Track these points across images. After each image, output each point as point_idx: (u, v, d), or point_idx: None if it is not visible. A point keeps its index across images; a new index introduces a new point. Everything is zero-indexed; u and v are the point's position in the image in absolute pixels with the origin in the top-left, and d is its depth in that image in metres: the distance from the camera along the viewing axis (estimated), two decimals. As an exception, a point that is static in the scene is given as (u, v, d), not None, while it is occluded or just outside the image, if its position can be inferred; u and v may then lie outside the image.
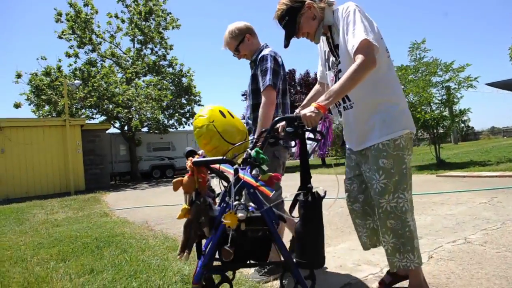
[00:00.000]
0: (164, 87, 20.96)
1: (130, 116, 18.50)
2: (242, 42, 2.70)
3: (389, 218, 1.93)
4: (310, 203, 1.73)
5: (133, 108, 18.51)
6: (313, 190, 1.74)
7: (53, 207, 8.90)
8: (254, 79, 2.67)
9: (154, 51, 22.31)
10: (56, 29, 31.67)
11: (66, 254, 3.68)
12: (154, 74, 21.95)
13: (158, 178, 20.58)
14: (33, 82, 17.98)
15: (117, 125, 19.89)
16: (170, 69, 22.55)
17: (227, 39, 2.73)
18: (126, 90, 18.20)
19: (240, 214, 1.66)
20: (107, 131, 18.11)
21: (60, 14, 19.25)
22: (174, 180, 1.85)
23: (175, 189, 1.85)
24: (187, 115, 22.70)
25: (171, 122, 21.86)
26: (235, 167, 1.76)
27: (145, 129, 20.12)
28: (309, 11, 1.99)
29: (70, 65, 19.18)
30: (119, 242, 3.94)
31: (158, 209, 7.14)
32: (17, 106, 18.17)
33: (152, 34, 21.47)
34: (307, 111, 1.73)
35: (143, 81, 21.71)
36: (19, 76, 18.02)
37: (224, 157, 1.78)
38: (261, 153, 1.77)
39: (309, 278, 1.75)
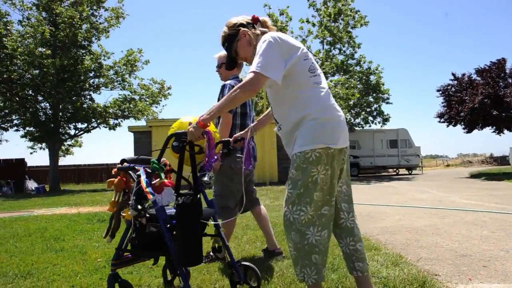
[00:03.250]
0: (352, 85, 20.94)
1: (319, 115, 19.28)
2: (220, 67, 3.34)
3: (291, 229, 1.95)
4: (179, 209, 2.00)
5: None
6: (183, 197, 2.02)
7: (253, 195, 10.17)
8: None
9: (342, 51, 22.59)
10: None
11: (269, 237, 4.16)
12: (342, 73, 22.22)
13: (343, 176, 20.81)
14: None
15: (306, 123, 21.06)
16: (358, 68, 22.38)
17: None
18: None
19: (129, 212, 2.06)
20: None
21: (261, 24, 21.66)
22: (108, 180, 2.30)
23: (108, 187, 2.30)
24: (374, 114, 22.09)
25: (357, 120, 21.72)
26: (138, 173, 2.15)
27: (332, 127, 20.62)
28: (244, 38, 2.15)
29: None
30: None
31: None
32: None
33: (340, 34, 21.77)
34: (190, 126, 1.98)
35: (331, 81, 22.26)
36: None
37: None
38: (155, 163, 2.16)
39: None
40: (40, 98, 18.61)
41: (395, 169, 23.57)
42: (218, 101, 3.27)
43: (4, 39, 15.99)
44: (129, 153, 20.69)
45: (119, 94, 20.35)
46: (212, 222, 2.37)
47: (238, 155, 2.76)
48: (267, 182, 15.10)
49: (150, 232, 2.13)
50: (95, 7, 18.98)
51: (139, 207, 2.06)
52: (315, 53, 23.03)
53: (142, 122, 20.39)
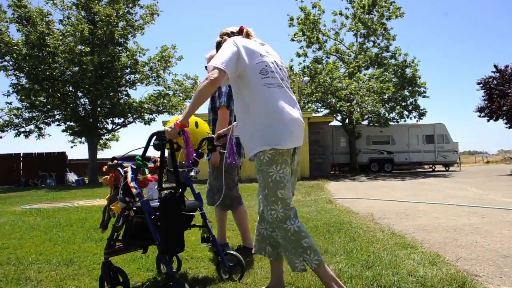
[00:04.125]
0: (387, 79, 20.40)
1: (352, 110, 18.95)
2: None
3: (274, 229, 2.13)
4: (162, 202, 2.19)
5: (355, 102, 18.86)
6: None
7: (284, 190, 10.17)
8: (212, 99, 3.34)
9: (376, 44, 22.03)
10: (289, 32, 35.58)
11: (302, 233, 4.17)
12: (376, 66, 21.67)
13: (376, 172, 20.34)
14: (270, 81, 20.88)
15: (339, 118, 20.76)
16: (393, 61, 21.75)
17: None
18: (349, 84, 18.70)
19: (118, 204, 2.28)
20: (329, 124, 19.15)
21: (292, 19, 21.50)
22: (103, 177, 2.51)
23: (104, 184, 2.49)
24: (410, 108, 21.43)
25: (392, 115, 21.16)
26: (125, 169, 2.35)
27: (365, 122, 20.21)
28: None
29: (300, 63, 21.20)
30: (347, 230, 4.16)
31: (379, 202, 7.10)
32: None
33: (375, 27, 21.22)
34: (168, 127, 2.14)
35: (365, 75, 21.78)
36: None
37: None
38: (139, 160, 2.37)
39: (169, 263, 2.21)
40: (79, 94, 19.38)
41: (431, 166, 22.78)
42: (211, 100, 3.39)
43: (46, 37, 16.72)
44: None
45: (154, 90, 20.90)
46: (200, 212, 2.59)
47: (222, 151, 2.78)
48: (299, 177, 15.06)
49: (137, 223, 2.33)
50: (130, 5, 19.46)
51: (126, 199, 2.27)
52: (348, 46, 22.59)
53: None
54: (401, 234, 3.97)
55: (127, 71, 19.70)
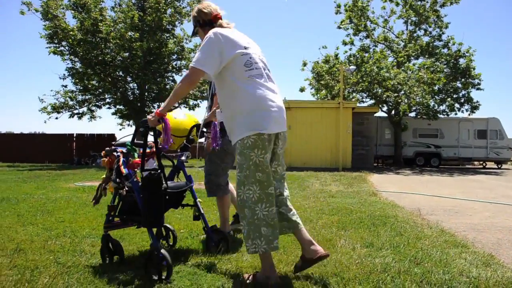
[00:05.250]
0: (438, 69, 19.38)
1: (399, 101, 18.23)
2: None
3: (244, 207, 2.28)
4: (142, 182, 2.46)
5: (403, 92, 18.13)
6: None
7: (326, 179, 10.06)
8: (211, 85, 3.26)
9: (427, 32, 20.91)
10: (335, 20, 34.66)
11: (345, 224, 4.11)
12: (427, 56, 20.63)
13: (422, 166, 19.56)
14: (315, 69, 20.57)
15: (384, 109, 20.09)
16: (445, 50, 20.59)
17: None
18: (397, 74, 17.98)
19: (111, 184, 2.66)
20: (374, 115, 18.59)
21: (339, 6, 20.89)
22: (102, 159, 2.81)
23: (102, 165, 2.81)
24: (462, 101, 20.29)
25: (441, 107, 20.15)
26: (117, 154, 2.66)
27: (412, 114, 19.39)
28: (199, 31, 2.60)
29: (346, 52, 20.67)
30: (392, 224, 4.05)
31: (426, 198, 6.84)
32: (301, 90, 21.55)
33: (427, 14, 20.13)
34: (150, 115, 2.38)
35: (414, 64, 20.82)
36: (304, 64, 21.10)
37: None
38: (129, 145, 2.67)
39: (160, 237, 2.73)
40: (129, 79, 20.14)
41: (481, 162, 21.54)
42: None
43: (99, 24, 17.45)
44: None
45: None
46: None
47: (208, 136, 3.03)
48: (340, 167, 14.81)
49: (130, 201, 2.62)
50: (178, -8, 19.80)
51: (117, 180, 2.59)
52: (397, 34, 21.66)
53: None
54: (450, 232, 3.81)
55: (174, 57, 20.18)
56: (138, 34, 18.17)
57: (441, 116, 19.54)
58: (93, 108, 20.71)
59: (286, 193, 2.50)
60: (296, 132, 15.84)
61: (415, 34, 20.98)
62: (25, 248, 3.00)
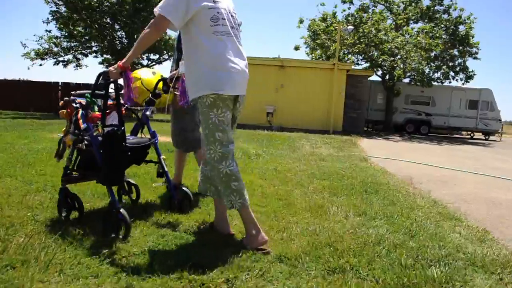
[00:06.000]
0: (437, 35, 18.90)
1: (395, 65, 17.89)
2: None
3: (210, 167, 2.33)
4: (103, 138, 2.34)
5: (399, 57, 17.75)
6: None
7: (316, 142, 9.98)
8: (179, 38, 2.99)
9: (429, -5, 20.18)
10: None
11: (337, 189, 4.03)
12: (426, 20, 20.05)
13: (411, 133, 19.64)
14: (311, 27, 19.87)
15: (379, 73, 19.74)
16: (446, 16, 20.00)
17: None
18: (395, 37, 17.50)
19: (69, 137, 2.54)
20: (368, 78, 18.30)
21: (341, -40, 19.86)
22: (60, 111, 2.61)
23: (60, 117, 2.62)
24: (457, 69, 20.04)
25: (436, 75, 19.92)
26: (76, 105, 2.52)
27: (406, 80, 19.14)
28: None
29: (344, 10, 19.88)
30: (385, 192, 3.99)
31: (415, 165, 6.82)
32: (296, 48, 20.94)
33: (432, -25, 19.34)
34: (112, 67, 2.27)
35: (412, 28, 20.27)
36: (301, 21, 20.33)
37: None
38: (88, 97, 2.54)
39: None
40: (117, 26, 19.21)
41: (469, 132, 21.73)
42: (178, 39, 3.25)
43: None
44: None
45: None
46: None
47: (175, 92, 3.00)
48: (331, 130, 14.72)
49: (88, 155, 2.51)
50: None
51: (76, 132, 2.48)
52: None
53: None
54: (442, 203, 3.76)
55: (165, 5, 19.19)
56: (127, -22, 17.12)
57: (435, 83, 19.35)
58: (79, 56, 19.90)
59: None
60: (289, 91, 15.55)
61: (416, -3, 20.24)
62: (1, 202, 2.82)
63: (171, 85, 2.91)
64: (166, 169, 2.90)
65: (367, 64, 19.52)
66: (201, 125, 2.32)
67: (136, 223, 2.52)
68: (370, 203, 3.49)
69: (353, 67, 17.79)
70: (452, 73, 20.04)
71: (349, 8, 20.13)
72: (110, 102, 2.52)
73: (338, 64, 15.54)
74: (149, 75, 3.20)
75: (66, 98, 2.58)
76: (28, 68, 33.13)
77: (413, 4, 19.86)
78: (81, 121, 2.44)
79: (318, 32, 19.59)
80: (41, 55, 18.64)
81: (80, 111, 2.48)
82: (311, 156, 6.89)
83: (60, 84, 21.22)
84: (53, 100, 20.81)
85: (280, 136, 11.06)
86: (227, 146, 2.26)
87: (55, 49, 19.04)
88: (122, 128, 2.41)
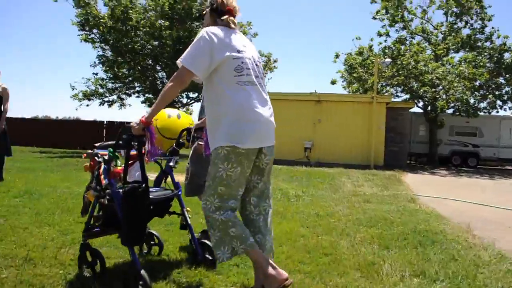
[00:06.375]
0: (481, 64, 18.15)
1: (437, 96, 17.24)
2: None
3: (205, 216, 2.24)
4: (124, 196, 2.23)
5: (441, 88, 17.12)
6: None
7: (357, 179, 9.55)
8: None
9: (469, 24, 19.59)
10: (371, 10, 33.35)
11: (386, 240, 3.67)
12: (468, 49, 19.38)
13: (458, 166, 18.55)
14: (347, 61, 19.79)
15: (420, 104, 19.10)
16: (489, 44, 19.25)
17: None
18: (436, 68, 16.95)
19: (91, 192, 2.45)
20: (409, 110, 17.70)
21: (376, -5, 19.90)
22: (84, 165, 2.60)
23: (84, 170, 2.59)
24: (505, 98, 19.00)
25: (482, 104, 18.97)
26: (98, 160, 2.45)
27: (450, 111, 18.32)
28: (206, 17, 2.41)
29: (380, 43, 19.68)
30: (442, 244, 3.58)
31: (470, 206, 6.25)
32: (333, 82, 20.89)
33: (470, 4, 18.84)
34: (134, 122, 2.21)
35: (453, 58, 19.62)
36: (337, 56, 20.36)
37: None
38: (111, 152, 2.40)
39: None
40: (158, 68, 20.06)
41: (522, 164, 20.19)
42: None
43: (130, 11, 17.36)
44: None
45: (228, 67, 20.86)
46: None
47: (200, 142, 2.93)
48: (372, 165, 14.16)
49: (111, 211, 2.37)
50: (209, -20, 19.43)
51: (98, 188, 2.39)
52: (436, 26, 20.44)
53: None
54: (510, 257, 3.30)
55: (203, 46, 19.89)
56: (168, 22, 17.98)
57: (481, 113, 18.38)
58: (123, 96, 20.84)
59: (267, 212, 2.34)
60: (327, 126, 15.28)
61: (455, 26, 19.74)
62: (35, 257, 2.76)
63: (195, 135, 2.86)
64: (189, 221, 2.77)
65: (407, 96, 18.97)
66: (207, 174, 2.24)
67: (159, 283, 2.37)
68: (427, 259, 3.12)
69: (392, 99, 17.32)
70: (499, 102, 19.04)
71: (385, 41, 19.95)
72: (133, 152, 2.46)
73: (376, 97, 15.18)
74: (175, 114, 3.16)
75: (89, 151, 2.56)
76: (76, 109, 35.21)
77: (452, 34, 19.36)
78: (102, 176, 2.38)
79: (354, 66, 19.44)
80: (88, 96, 19.69)
81: (103, 166, 2.42)
82: (354, 196, 6.53)
83: (105, 122, 22.22)
84: (98, 137, 21.74)
85: (319, 172, 10.73)
86: (227, 202, 2.17)
87: (101, 90, 20.08)
88: (144, 185, 2.32)
